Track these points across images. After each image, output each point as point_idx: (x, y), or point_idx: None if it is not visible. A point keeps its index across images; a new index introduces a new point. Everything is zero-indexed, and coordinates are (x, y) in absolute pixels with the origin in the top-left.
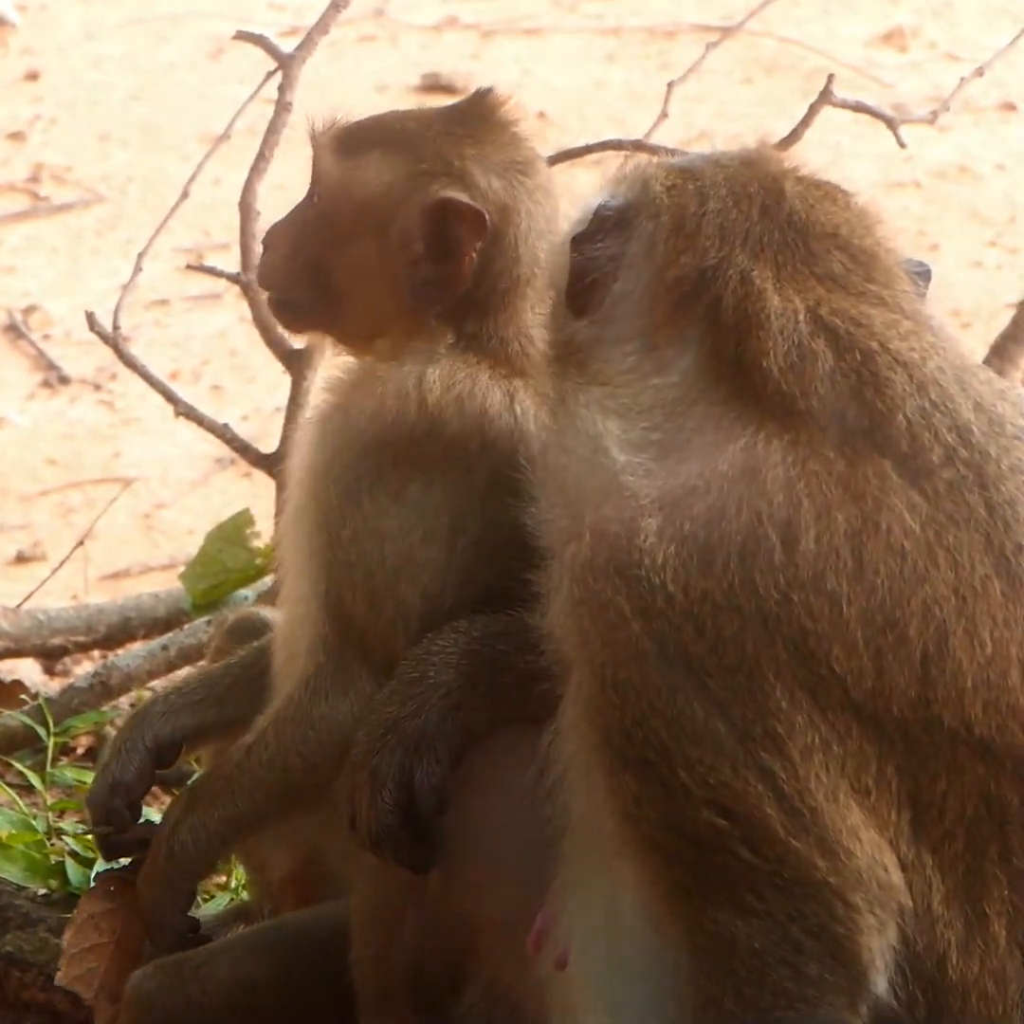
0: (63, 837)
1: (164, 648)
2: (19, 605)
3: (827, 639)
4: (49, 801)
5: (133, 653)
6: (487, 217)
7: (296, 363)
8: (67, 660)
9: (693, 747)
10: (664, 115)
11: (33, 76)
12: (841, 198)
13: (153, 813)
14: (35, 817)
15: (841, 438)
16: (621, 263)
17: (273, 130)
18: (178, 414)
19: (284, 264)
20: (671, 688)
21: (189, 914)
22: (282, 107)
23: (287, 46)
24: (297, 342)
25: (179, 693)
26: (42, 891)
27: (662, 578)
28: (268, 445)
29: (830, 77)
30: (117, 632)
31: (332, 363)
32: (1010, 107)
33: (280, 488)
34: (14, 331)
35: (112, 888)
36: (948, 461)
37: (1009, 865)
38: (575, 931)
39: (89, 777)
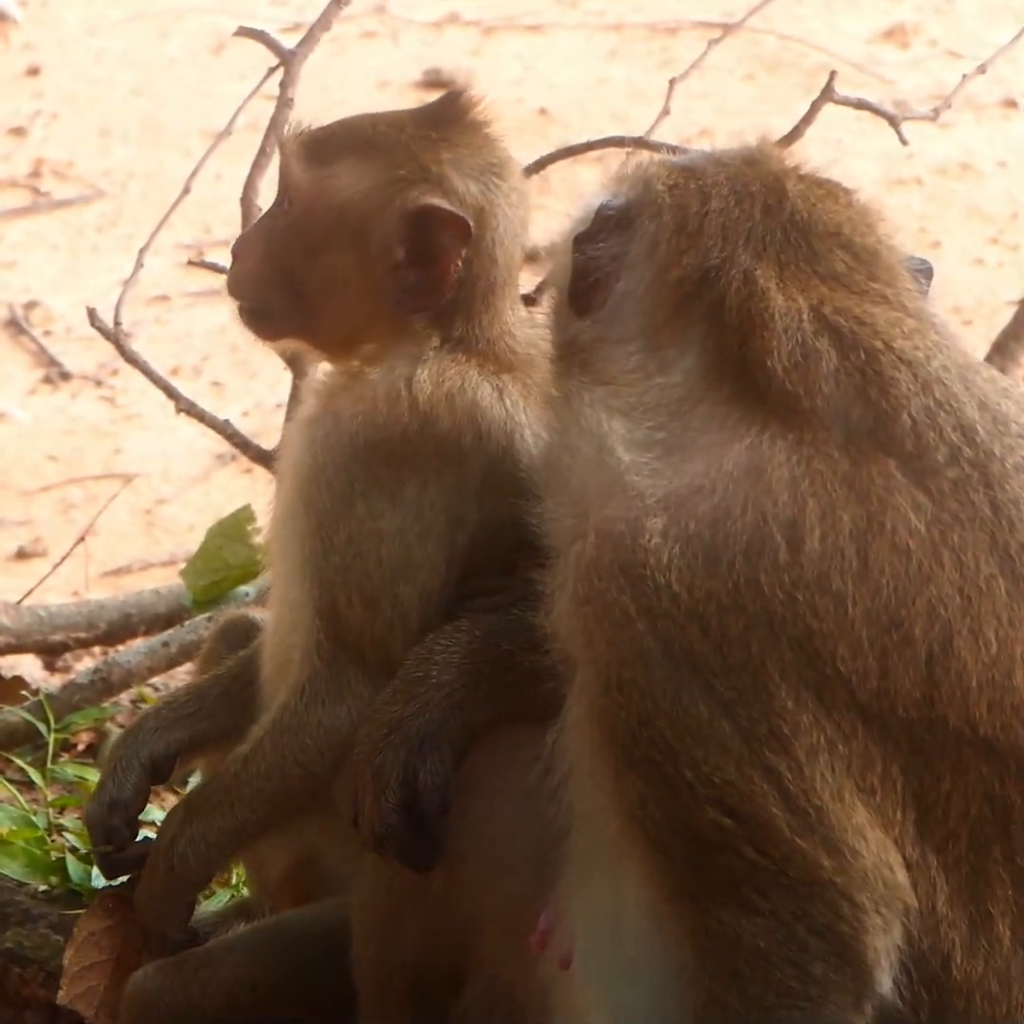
0: (63, 833)
1: (165, 644)
2: (20, 601)
3: (832, 639)
4: (49, 797)
5: (134, 649)
6: (470, 223)
7: (297, 359)
8: (68, 656)
9: (698, 747)
10: (666, 112)
11: (34, 71)
12: (843, 196)
13: (155, 811)
14: (35, 813)
15: (846, 437)
16: (623, 263)
17: (274, 126)
18: (179, 410)
19: (256, 273)
20: (676, 688)
21: (189, 923)
22: (283, 103)
23: (288, 42)
24: (273, 348)
25: (170, 708)
26: (42, 887)
27: (667, 578)
28: (269, 441)
29: (832, 74)
30: (118, 628)
31: (325, 364)
32: (1012, 104)
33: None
34: (15, 327)
35: (111, 905)
36: (953, 460)
37: (1013, 865)
38: (579, 931)
39: (90, 773)
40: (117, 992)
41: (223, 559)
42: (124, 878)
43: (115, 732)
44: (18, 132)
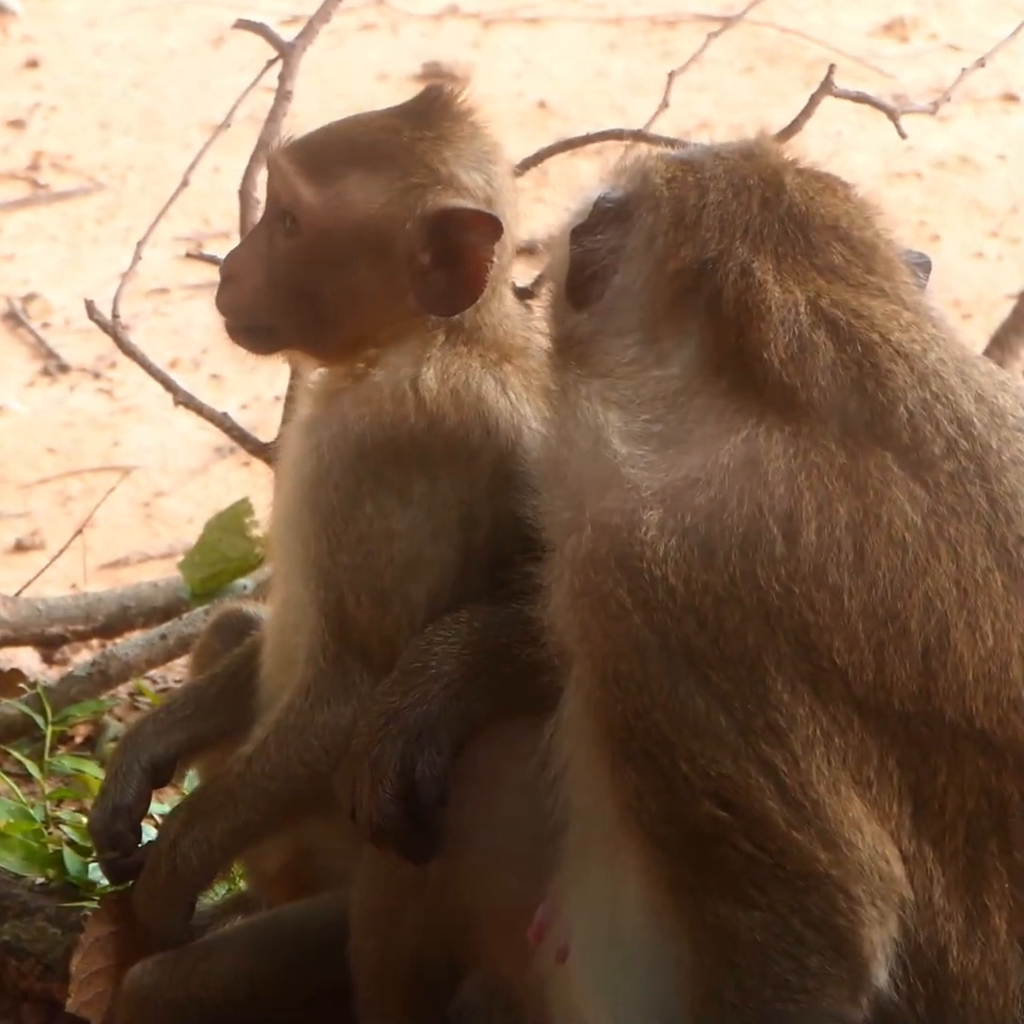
0: (61, 826)
1: (163, 637)
2: (18, 593)
3: (828, 632)
4: (47, 790)
5: (132, 642)
6: (500, 220)
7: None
8: (66, 649)
9: (694, 740)
10: (665, 105)
11: (33, 64)
12: (841, 190)
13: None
14: (33, 806)
15: (842, 430)
16: (621, 255)
17: (273, 119)
18: (177, 403)
19: (259, 294)
20: (672, 680)
21: (190, 923)
22: (282, 96)
23: (288, 35)
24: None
25: (168, 710)
26: (40, 880)
27: (663, 570)
28: (268, 434)
29: (831, 67)
30: (116, 621)
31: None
32: (1011, 98)
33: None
34: (14, 319)
35: (115, 910)
36: (950, 453)
37: (1010, 858)
38: (576, 924)
39: (87, 766)
40: None
41: (221, 552)
42: (129, 883)
43: (113, 725)
44: (17, 124)
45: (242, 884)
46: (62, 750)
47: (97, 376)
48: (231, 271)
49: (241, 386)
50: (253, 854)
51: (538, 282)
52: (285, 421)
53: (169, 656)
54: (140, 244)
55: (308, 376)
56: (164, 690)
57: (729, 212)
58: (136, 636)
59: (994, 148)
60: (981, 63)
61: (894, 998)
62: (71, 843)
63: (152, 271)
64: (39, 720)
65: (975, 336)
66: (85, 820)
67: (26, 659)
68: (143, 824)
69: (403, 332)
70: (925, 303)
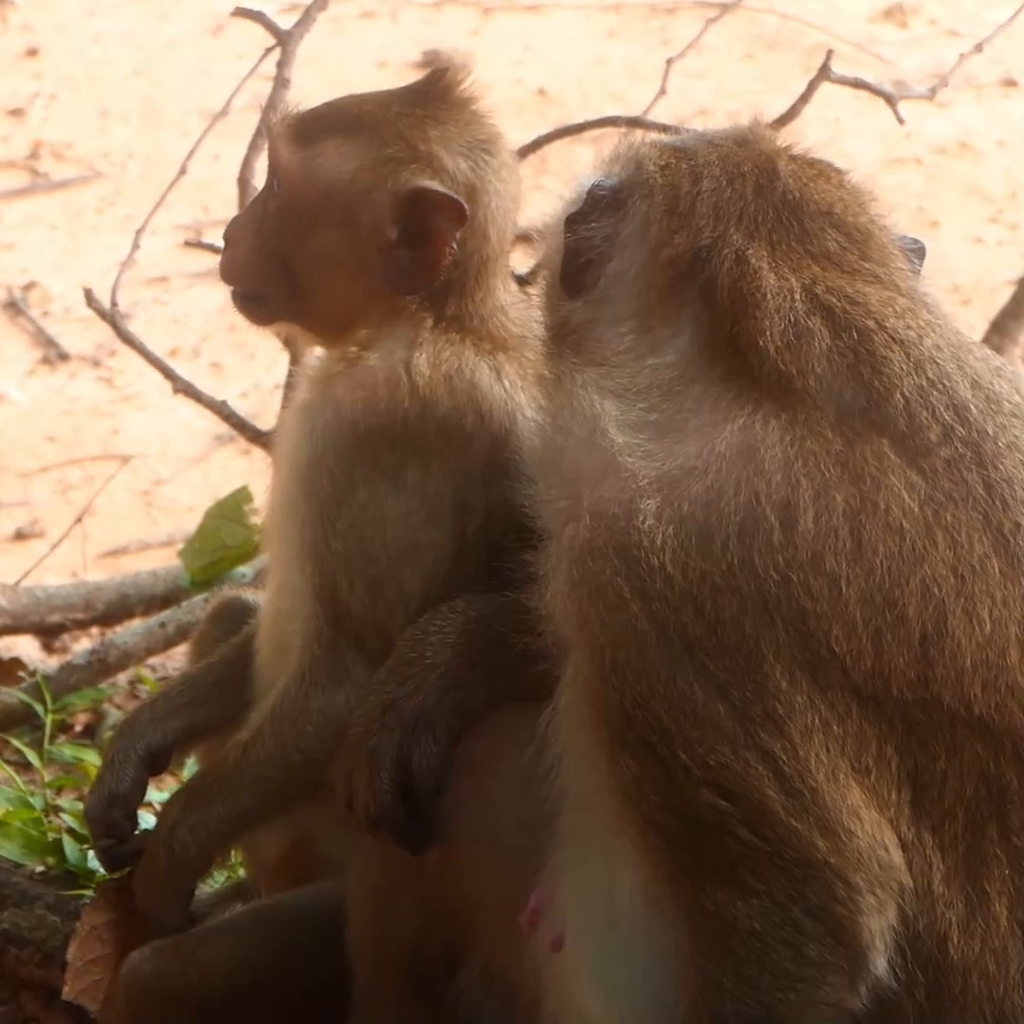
0: (60, 814)
1: (162, 625)
2: (18, 582)
3: (826, 619)
4: (46, 778)
5: (131, 630)
6: (465, 206)
7: (294, 343)
8: (65, 637)
9: (693, 728)
10: (662, 92)
11: (33, 52)
12: (835, 176)
13: (153, 791)
14: (32, 794)
15: (839, 417)
16: (615, 243)
17: (272, 106)
18: (176, 391)
19: (248, 258)
20: (670, 669)
21: (188, 910)
22: (280, 83)
23: (286, 22)
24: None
25: (165, 698)
26: (39, 868)
27: (661, 559)
28: (267, 422)
29: (828, 54)
30: (115, 609)
31: (319, 349)
32: (1011, 83)
33: None
34: (13, 308)
35: (113, 898)
36: (946, 439)
37: (1009, 844)
38: (571, 912)
39: (87, 754)
40: None
41: (221, 540)
42: (126, 870)
43: (112, 713)
44: (17, 113)
45: (241, 872)
46: (62, 738)
47: (97, 364)
48: (229, 236)
49: (241, 374)
50: (251, 841)
51: (536, 269)
52: (284, 408)
53: (169, 644)
54: (139, 232)
55: (306, 362)
56: (164, 678)
57: (723, 199)
58: (136, 624)
59: (993, 134)
60: (978, 48)
61: (893, 986)
62: (70, 831)
63: (151, 259)
64: (39, 708)
65: (974, 322)
66: (86, 795)
67: (26, 647)
68: (140, 812)
69: (389, 313)
70: (919, 289)
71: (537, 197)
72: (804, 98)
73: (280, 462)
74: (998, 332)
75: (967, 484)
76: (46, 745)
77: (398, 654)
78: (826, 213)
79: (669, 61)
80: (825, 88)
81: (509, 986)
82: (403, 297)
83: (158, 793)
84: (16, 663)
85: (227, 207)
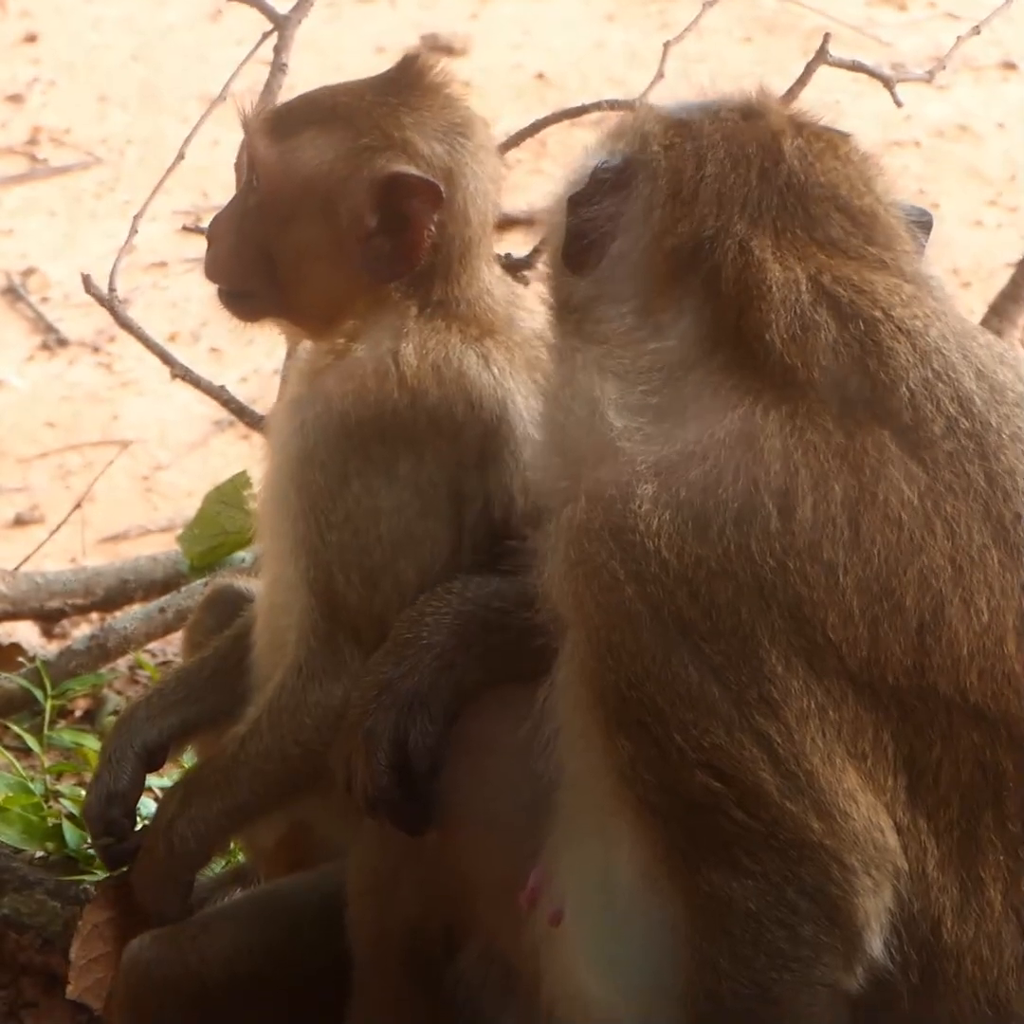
0: (60, 800)
1: (162, 610)
2: (17, 568)
3: (823, 607)
4: (46, 764)
5: (131, 615)
6: (441, 188)
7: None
8: (65, 623)
9: (687, 710)
10: (660, 75)
11: (31, 38)
12: (841, 147)
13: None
14: (32, 780)
15: (842, 409)
16: (619, 224)
17: (269, 91)
18: (175, 376)
19: (231, 255)
20: (665, 652)
21: (188, 902)
22: (277, 68)
23: (284, 7)
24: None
25: (160, 695)
26: (39, 853)
27: (656, 543)
28: (266, 407)
29: (826, 36)
30: (115, 594)
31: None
32: (1010, 66)
33: None
34: (12, 294)
35: (113, 896)
36: (949, 432)
37: (1005, 831)
38: (570, 889)
39: (86, 740)
40: None
41: (220, 525)
42: (125, 868)
43: (112, 698)
44: (15, 99)
45: (240, 857)
46: (61, 724)
47: (96, 350)
48: (212, 233)
49: (240, 359)
50: (250, 830)
51: (535, 253)
52: (281, 398)
53: (168, 629)
54: (137, 218)
55: (298, 355)
56: (163, 663)
57: (727, 186)
58: (135, 609)
59: (992, 116)
60: (976, 30)
61: (888, 967)
62: (70, 817)
63: (150, 245)
64: (38, 694)
65: (973, 304)
66: (85, 794)
67: (25, 633)
68: (143, 799)
69: (373, 303)
70: (925, 272)
71: (536, 181)
72: (802, 81)
73: (271, 456)
74: (997, 315)
75: (969, 476)
76: (46, 731)
77: (394, 635)
78: (831, 196)
79: (667, 44)
80: (823, 71)
81: (508, 968)
82: (387, 286)
83: (160, 779)
84: (16, 649)
85: (225, 192)
